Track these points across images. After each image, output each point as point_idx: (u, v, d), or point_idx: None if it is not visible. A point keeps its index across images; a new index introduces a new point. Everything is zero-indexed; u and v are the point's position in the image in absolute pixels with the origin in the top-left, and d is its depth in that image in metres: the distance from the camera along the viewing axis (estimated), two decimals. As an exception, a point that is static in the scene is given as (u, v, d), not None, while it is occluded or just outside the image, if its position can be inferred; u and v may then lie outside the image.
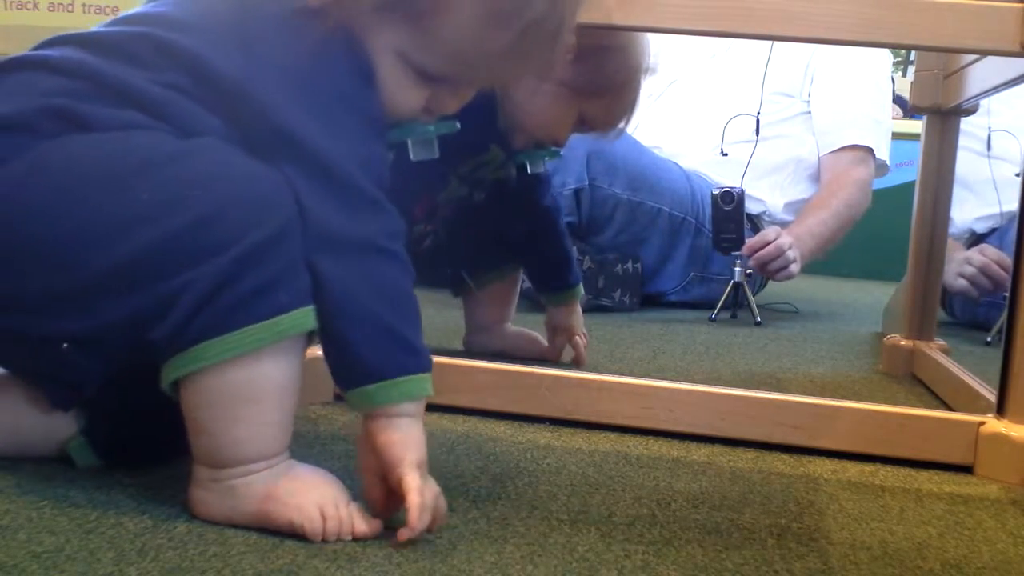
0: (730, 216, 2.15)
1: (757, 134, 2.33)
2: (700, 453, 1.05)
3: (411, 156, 0.88)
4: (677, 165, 2.39)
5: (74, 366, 0.76)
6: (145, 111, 0.75)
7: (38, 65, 0.77)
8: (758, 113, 2.35)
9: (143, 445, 0.85)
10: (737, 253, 2.15)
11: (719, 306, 2.19)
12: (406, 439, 0.75)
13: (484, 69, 0.82)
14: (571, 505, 0.85)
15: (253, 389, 0.73)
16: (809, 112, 2.45)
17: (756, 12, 1.04)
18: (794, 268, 2.20)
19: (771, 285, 2.59)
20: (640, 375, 1.43)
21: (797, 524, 0.85)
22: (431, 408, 1.11)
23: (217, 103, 0.76)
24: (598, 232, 2.25)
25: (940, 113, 1.55)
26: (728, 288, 2.19)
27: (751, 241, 2.16)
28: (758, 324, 2.16)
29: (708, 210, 2.30)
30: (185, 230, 0.70)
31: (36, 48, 0.80)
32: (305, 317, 0.73)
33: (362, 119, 0.78)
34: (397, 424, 0.75)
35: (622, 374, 1.26)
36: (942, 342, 1.59)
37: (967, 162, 2.20)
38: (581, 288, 1.55)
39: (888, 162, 2.48)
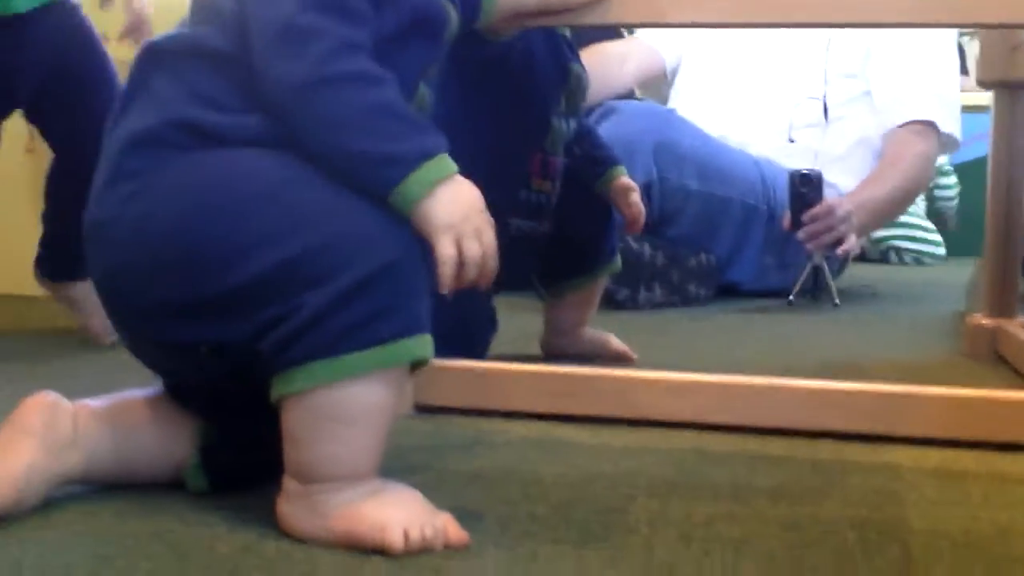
0: (808, 198, 2.14)
1: (826, 118, 2.31)
2: (778, 446, 1.05)
3: None
4: (745, 152, 2.38)
5: (208, 369, 0.81)
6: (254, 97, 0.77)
7: (165, 62, 0.80)
8: (824, 96, 2.33)
9: (253, 471, 0.87)
10: None
11: (796, 288, 2.18)
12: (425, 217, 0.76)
13: None
14: (650, 506, 0.86)
15: (352, 410, 0.75)
16: (870, 91, 2.42)
17: (806, 1, 1.04)
18: (850, 242, 2.17)
19: (852, 268, 2.57)
20: (718, 370, 1.44)
21: (878, 515, 0.85)
22: (508, 415, 1.14)
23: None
24: (670, 225, 2.25)
25: (1008, 87, 1.53)
26: (806, 270, 2.17)
27: (815, 210, 2.13)
28: (836, 306, 2.14)
29: (780, 195, 2.29)
30: (303, 255, 0.73)
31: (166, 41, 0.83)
32: (411, 347, 0.75)
33: None
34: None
35: (699, 370, 1.28)
36: (1026, 319, 1.57)
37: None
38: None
39: (958, 135, 2.43)
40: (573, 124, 1.43)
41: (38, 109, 1.61)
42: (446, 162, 0.76)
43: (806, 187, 2.14)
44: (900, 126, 2.37)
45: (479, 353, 1.37)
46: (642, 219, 1.50)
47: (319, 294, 0.73)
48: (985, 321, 1.59)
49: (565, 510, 0.84)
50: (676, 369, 1.40)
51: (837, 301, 2.17)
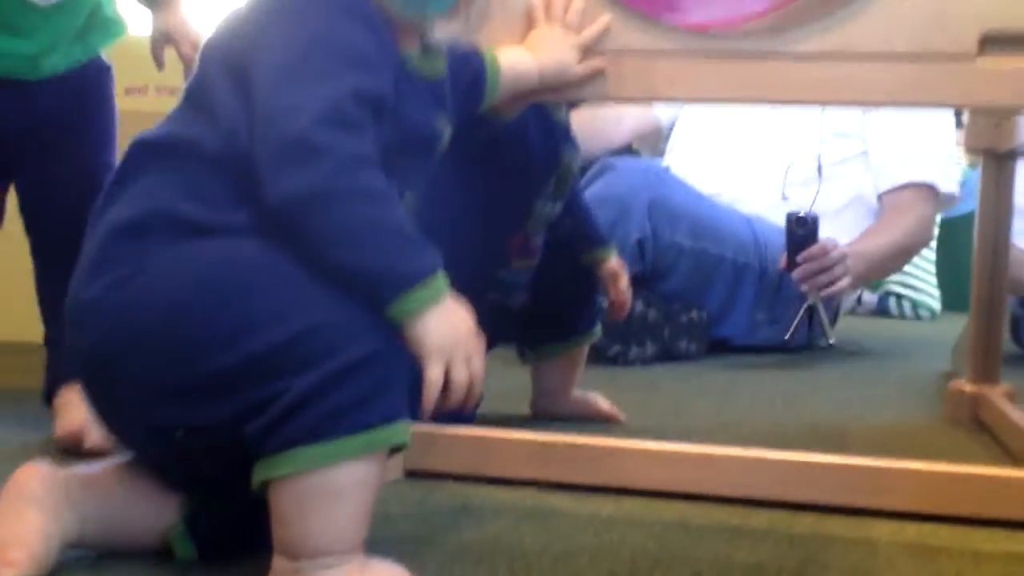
0: (804, 240, 2.18)
1: (820, 176, 2.34)
2: (760, 519, 1.07)
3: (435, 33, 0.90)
4: (738, 211, 2.41)
5: (185, 450, 0.82)
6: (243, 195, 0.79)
7: (154, 158, 0.83)
8: (819, 156, 2.37)
9: (240, 538, 0.89)
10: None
11: (792, 329, 2.22)
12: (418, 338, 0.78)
13: None
14: (631, 582, 0.88)
15: (338, 486, 0.77)
16: (867, 151, 2.46)
17: (794, 80, 1.08)
18: (843, 283, 2.21)
19: (846, 320, 2.59)
20: (704, 432, 1.46)
21: (853, 595, 0.86)
22: (496, 481, 1.16)
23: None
24: (662, 280, 2.28)
25: (995, 156, 1.56)
26: (802, 310, 2.21)
27: (810, 251, 2.17)
28: (831, 346, 2.18)
29: (772, 253, 2.32)
30: (289, 341, 0.75)
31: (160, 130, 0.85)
32: (395, 432, 0.77)
33: (339, 57, 0.79)
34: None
35: (684, 436, 1.30)
36: (1007, 386, 1.59)
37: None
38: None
39: (957, 192, 2.47)
40: (559, 206, 1.45)
41: (25, 168, 1.49)
42: (441, 283, 0.79)
43: (802, 228, 2.18)
44: (900, 187, 2.40)
45: (468, 416, 1.39)
46: (627, 307, 1.53)
47: (305, 379, 0.75)
48: (967, 388, 1.61)
49: (547, 586, 0.86)
50: (664, 431, 1.45)
51: (832, 341, 2.21)
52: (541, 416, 1.55)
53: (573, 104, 1.57)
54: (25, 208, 1.49)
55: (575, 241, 1.51)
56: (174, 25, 1.44)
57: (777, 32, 1.06)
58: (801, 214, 2.18)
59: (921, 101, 1.07)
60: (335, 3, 0.81)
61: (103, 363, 0.81)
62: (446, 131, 0.92)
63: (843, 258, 2.18)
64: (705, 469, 1.13)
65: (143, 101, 2.07)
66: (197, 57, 1.11)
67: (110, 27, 1.49)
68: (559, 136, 1.41)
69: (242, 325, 0.76)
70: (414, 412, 0.79)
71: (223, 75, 0.82)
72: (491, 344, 1.44)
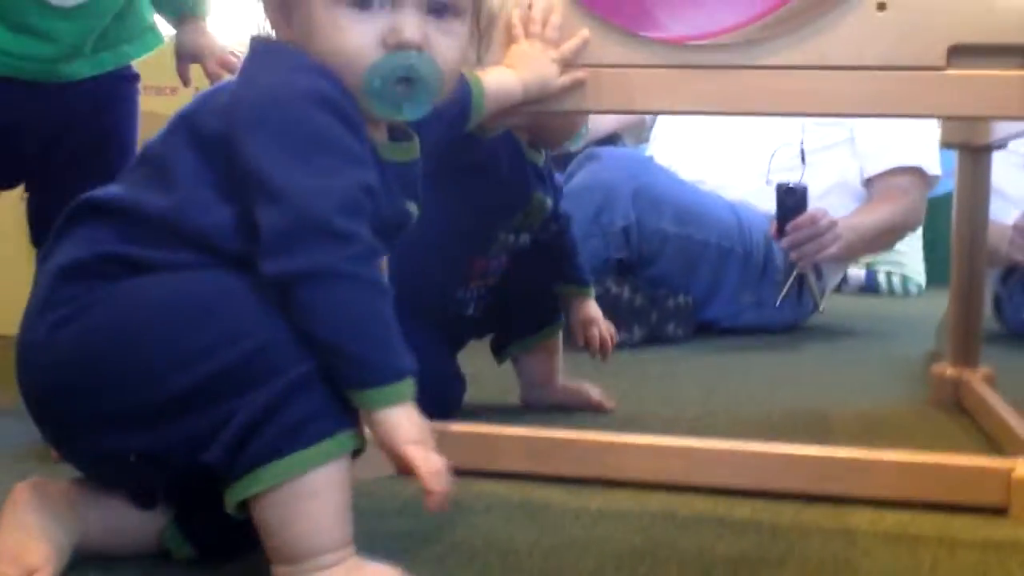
0: (793, 209, 2.27)
1: (803, 162, 2.38)
2: (744, 510, 1.11)
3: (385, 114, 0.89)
4: (722, 197, 2.45)
5: (141, 475, 0.85)
6: (191, 244, 0.82)
7: (99, 214, 0.86)
8: (802, 142, 2.41)
9: (235, 533, 0.90)
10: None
11: (782, 295, 2.31)
12: (395, 426, 0.80)
13: None
14: (618, 576, 0.92)
15: (311, 489, 0.80)
16: (852, 138, 2.50)
17: (768, 92, 1.11)
18: (832, 250, 2.28)
19: (832, 299, 2.64)
20: (692, 420, 1.51)
21: (831, 585, 0.91)
22: (488, 475, 1.20)
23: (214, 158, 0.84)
24: (648, 266, 2.33)
25: (970, 149, 1.60)
26: (792, 278, 2.28)
27: (798, 220, 2.25)
28: (820, 312, 2.34)
29: (756, 237, 2.38)
30: (233, 365, 0.78)
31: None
32: (350, 440, 0.81)
33: (341, 152, 0.82)
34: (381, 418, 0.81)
35: (673, 425, 1.35)
36: (987, 369, 1.63)
37: (1006, 175, 2.26)
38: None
39: (939, 172, 2.52)
40: (526, 238, 1.50)
41: (40, 174, 1.48)
42: (411, 386, 0.82)
43: (791, 198, 2.26)
44: (890, 170, 2.45)
45: (451, 409, 1.44)
46: (608, 347, 1.60)
47: (254, 399, 0.78)
48: (949, 371, 1.65)
49: (539, 582, 0.91)
50: (653, 420, 1.50)
51: (822, 308, 2.30)
52: (532, 406, 1.60)
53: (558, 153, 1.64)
54: (35, 216, 1.47)
55: (553, 265, 1.58)
56: (201, 42, 1.45)
57: (752, 45, 1.10)
58: (791, 184, 2.26)
59: (892, 112, 1.10)
60: (326, 100, 0.83)
61: (50, 397, 0.84)
62: (414, 212, 0.96)
63: (832, 226, 2.27)
64: (690, 461, 1.17)
65: (174, 102, 2.09)
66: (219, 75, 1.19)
67: (146, 37, 1.47)
68: (532, 177, 1.45)
69: (184, 352, 0.79)
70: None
71: (189, 148, 0.85)
72: (459, 346, 1.55)
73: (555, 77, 1.15)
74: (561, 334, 1.61)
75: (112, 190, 0.88)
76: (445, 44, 0.87)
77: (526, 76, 1.14)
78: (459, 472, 1.17)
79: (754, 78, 1.11)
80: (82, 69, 1.42)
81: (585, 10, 1.14)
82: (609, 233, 2.27)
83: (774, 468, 1.16)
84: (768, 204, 2.40)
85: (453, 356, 1.52)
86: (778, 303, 2.32)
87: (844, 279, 3.53)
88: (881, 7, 1.07)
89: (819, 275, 2.41)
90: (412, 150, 0.96)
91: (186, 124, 0.86)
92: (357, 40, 0.84)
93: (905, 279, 3.62)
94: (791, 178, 2.43)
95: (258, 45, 0.89)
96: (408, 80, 0.84)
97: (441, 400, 1.41)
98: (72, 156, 1.44)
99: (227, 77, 1.32)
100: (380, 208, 0.86)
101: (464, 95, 1.09)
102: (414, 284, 1.31)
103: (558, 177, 2.52)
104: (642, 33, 1.12)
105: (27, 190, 1.51)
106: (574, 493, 1.16)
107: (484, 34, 0.96)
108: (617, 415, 1.56)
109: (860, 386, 1.81)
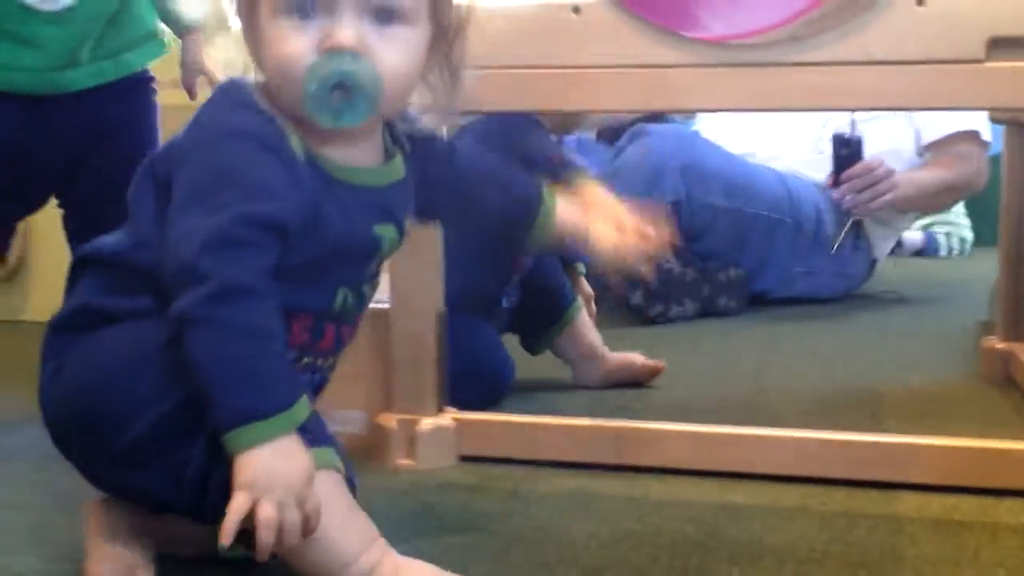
0: (849, 159, 2.34)
1: (854, 131, 2.38)
2: (793, 496, 1.15)
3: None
4: (770, 169, 2.46)
5: (154, 504, 0.92)
6: (148, 286, 0.87)
7: (86, 265, 0.93)
8: (852, 111, 2.41)
9: None
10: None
11: (837, 243, 2.38)
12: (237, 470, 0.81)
13: None
14: (671, 569, 0.96)
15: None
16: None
17: (811, 87, 1.13)
18: (888, 197, 2.32)
19: (882, 270, 2.64)
20: (743, 400, 1.54)
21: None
22: (544, 464, 1.24)
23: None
24: (698, 240, 2.35)
25: (1018, 125, 1.60)
26: (848, 225, 2.37)
27: (853, 169, 2.31)
28: (875, 262, 2.50)
29: (806, 208, 2.40)
30: (173, 412, 0.83)
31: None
32: (325, 454, 0.85)
33: (239, 189, 0.83)
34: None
35: (724, 404, 1.42)
36: (1037, 343, 1.64)
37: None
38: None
39: (990, 137, 2.51)
40: None
41: (69, 194, 1.45)
42: (278, 426, 0.80)
43: (846, 148, 2.35)
44: (950, 136, 2.45)
45: (501, 392, 1.50)
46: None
47: (200, 443, 0.83)
48: (999, 345, 1.66)
49: (594, 574, 0.95)
50: (704, 399, 1.54)
51: (876, 256, 2.41)
52: (586, 384, 1.64)
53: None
54: (70, 233, 1.47)
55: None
56: (206, 53, 1.42)
57: (794, 41, 1.11)
58: (846, 135, 2.30)
59: (933, 104, 1.12)
60: (248, 135, 0.85)
61: (56, 440, 0.92)
62: (389, 236, 0.95)
63: (888, 175, 2.31)
64: (741, 449, 1.21)
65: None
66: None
67: (149, 45, 1.44)
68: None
69: (134, 402, 0.84)
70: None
71: (149, 190, 0.89)
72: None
73: (604, 242, 1.07)
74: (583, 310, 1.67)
75: (99, 240, 0.94)
76: (389, 51, 0.86)
77: (598, 232, 1.08)
78: (516, 462, 1.25)
79: (796, 74, 1.13)
80: (81, 79, 1.37)
81: (627, 11, 1.16)
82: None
83: (822, 455, 1.19)
84: (819, 174, 2.42)
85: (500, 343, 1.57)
86: (833, 250, 2.35)
87: (899, 243, 3.51)
88: (920, 2, 1.08)
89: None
90: (392, 172, 0.96)
91: (149, 166, 0.91)
92: (295, 47, 0.85)
93: (962, 240, 3.60)
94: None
95: (222, 84, 0.92)
96: (345, 87, 0.84)
97: (495, 384, 1.48)
98: (98, 173, 1.40)
99: None
100: (326, 232, 0.88)
101: (530, 201, 1.07)
102: (466, 281, 1.37)
103: (600, 152, 2.59)
104: (684, 33, 1.14)
105: (60, 206, 1.50)
106: (627, 481, 1.20)
107: (453, 42, 0.94)
108: (671, 394, 1.60)
109: (911, 360, 1.82)
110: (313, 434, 0.84)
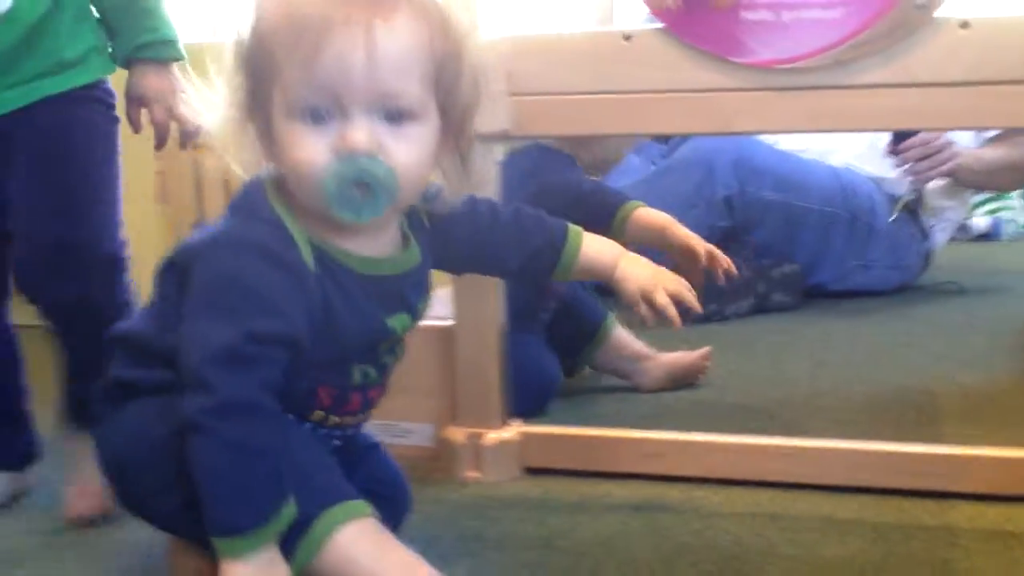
0: (907, 132, 2.33)
1: None
2: (848, 507, 1.18)
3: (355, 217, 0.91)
4: (823, 163, 2.47)
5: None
6: (165, 361, 0.92)
7: (115, 342, 1.01)
8: None
9: None
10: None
11: (896, 210, 2.40)
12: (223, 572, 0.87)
13: (331, 75, 0.86)
14: (730, 585, 1.00)
15: (343, 556, 0.90)
16: None
17: (858, 109, 1.16)
18: (948, 166, 2.32)
19: (940, 256, 2.63)
20: (799, 403, 1.57)
21: (930, 590, 0.98)
22: (608, 476, 1.29)
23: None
24: (751, 234, 2.38)
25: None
26: (908, 193, 2.39)
27: (911, 140, 2.32)
28: (932, 227, 2.46)
29: (861, 201, 2.41)
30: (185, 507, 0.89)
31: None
32: (340, 511, 0.91)
33: (247, 301, 0.88)
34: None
35: (779, 407, 1.46)
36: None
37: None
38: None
39: None
40: None
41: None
42: (259, 539, 0.86)
43: None
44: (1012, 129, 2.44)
45: (546, 399, 1.56)
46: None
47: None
48: (1056, 342, 1.68)
49: (657, 592, 0.99)
50: (760, 402, 1.57)
51: (934, 222, 2.41)
52: (645, 387, 1.68)
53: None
54: (3, 263, 1.27)
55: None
56: (149, 83, 1.26)
57: (840, 65, 1.14)
58: None
59: (977, 124, 1.15)
60: (260, 248, 0.90)
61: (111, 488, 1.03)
62: (402, 324, 1.00)
63: (948, 146, 2.30)
64: (797, 461, 1.24)
65: None
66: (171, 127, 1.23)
67: (90, 63, 1.24)
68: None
69: (161, 481, 0.92)
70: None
71: (173, 279, 0.95)
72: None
73: (644, 285, 1.08)
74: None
75: (127, 322, 1.03)
76: (401, 148, 0.89)
77: (627, 268, 1.09)
78: (579, 473, 1.29)
79: (843, 97, 1.16)
80: (10, 99, 1.20)
81: (677, 38, 1.19)
82: (712, 202, 2.34)
83: (877, 466, 1.22)
84: (874, 167, 2.43)
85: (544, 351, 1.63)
86: (891, 219, 2.36)
87: (963, 228, 3.49)
88: (964, 25, 1.10)
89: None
90: (409, 259, 1.00)
91: (172, 258, 0.96)
92: (312, 151, 0.88)
93: (1020, 226, 3.57)
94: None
95: (245, 184, 0.96)
96: (363, 184, 0.88)
97: (540, 393, 1.56)
98: (19, 199, 1.21)
99: (176, 127, 1.28)
100: (339, 331, 0.93)
101: (555, 236, 1.09)
102: (518, 296, 1.41)
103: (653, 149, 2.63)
104: (732, 59, 1.17)
105: None
106: (687, 493, 1.24)
107: (461, 130, 0.97)
108: (727, 398, 1.63)
109: (968, 357, 1.83)
110: (335, 493, 0.92)
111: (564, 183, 1.61)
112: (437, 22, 0.92)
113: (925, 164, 2.32)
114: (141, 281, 1.09)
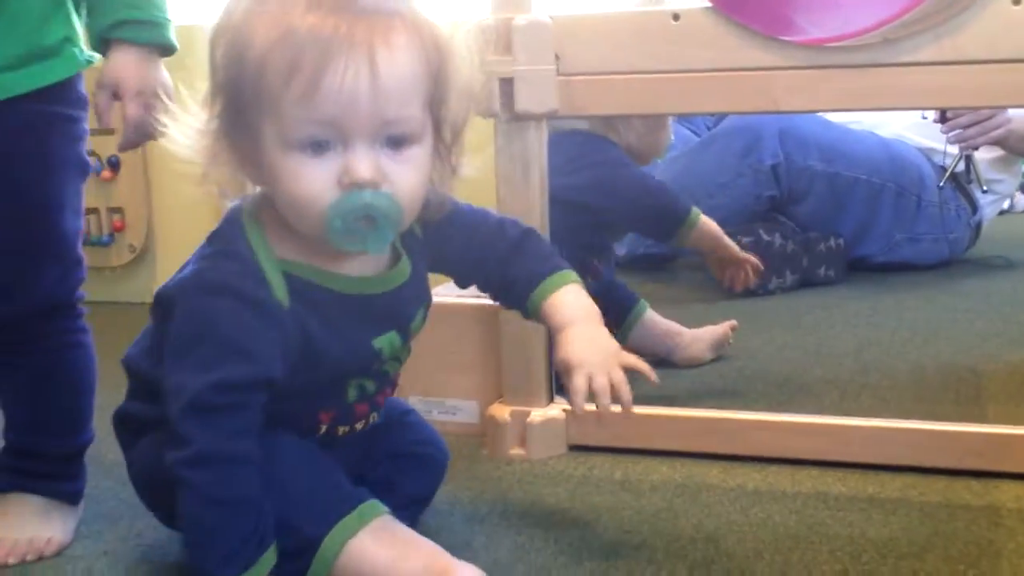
0: None
1: None
2: (893, 487, 1.18)
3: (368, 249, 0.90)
4: (872, 134, 2.45)
5: None
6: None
7: (127, 373, 1.04)
8: None
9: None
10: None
11: (945, 177, 2.38)
12: None
13: (325, 105, 0.83)
14: (774, 564, 1.01)
15: (359, 557, 0.91)
16: None
17: (907, 87, 1.15)
18: (997, 132, 2.30)
19: (990, 229, 2.61)
20: (845, 380, 1.57)
21: (974, 571, 0.98)
22: (650, 454, 1.30)
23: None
24: (797, 204, 2.38)
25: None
26: (957, 159, 2.37)
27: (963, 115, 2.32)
28: (984, 192, 2.43)
29: (910, 172, 2.39)
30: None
31: None
32: (361, 513, 0.93)
33: (219, 349, 0.88)
34: None
35: (826, 385, 1.45)
36: None
37: None
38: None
39: None
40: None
41: None
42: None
43: None
44: None
45: None
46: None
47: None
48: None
49: (701, 570, 1.00)
50: (805, 380, 1.58)
51: (985, 188, 2.40)
52: (683, 363, 1.69)
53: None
54: None
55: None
56: (124, 74, 1.09)
57: (889, 43, 1.13)
58: None
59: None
60: (225, 289, 0.89)
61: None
62: (390, 344, 0.98)
63: (998, 112, 2.27)
64: (840, 439, 1.25)
65: None
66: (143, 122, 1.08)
67: (59, 56, 1.05)
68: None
69: (166, 514, 1.00)
70: None
71: (160, 320, 0.96)
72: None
73: (584, 362, 0.98)
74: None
75: (130, 349, 1.03)
76: (404, 174, 0.88)
77: (574, 340, 1.00)
78: (623, 451, 1.30)
79: (892, 75, 1.15)
80: None
81: (725, 17, 1.19)
82: (759, 171, 2.34)
83: (922, 444, 1.22)
84: (924, 139, 2.41)
85: None
86: (941, 184, 2.36)
87: (1011, 203, 3.44)
88: (1016, 2, 1.09)
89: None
90: (398, 275, 0.98)
91: (159, 293, 0.96)
92: (314, 185, 0.86)
93: None
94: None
95: (227, 215, 0.95)
96: (370, 217, 0.86)
97: None
98: None
99: (151, 120, 1.06)
100: (321, 358, 0.93)
101: (538, 274, 1.04)
102: None
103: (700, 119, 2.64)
104: (781, 37, 1.17)
105: None
106: (730, 472, 1.25)
107: (452, 146, 0.95)
108: (773, 374, 1.63)
109: (1016, 335, 1.82)
110: (341, 505, 0.93)
111: (637, 178, 1.64)
112: (429, 37, 0.89)
113: (974, 130, 2.30)
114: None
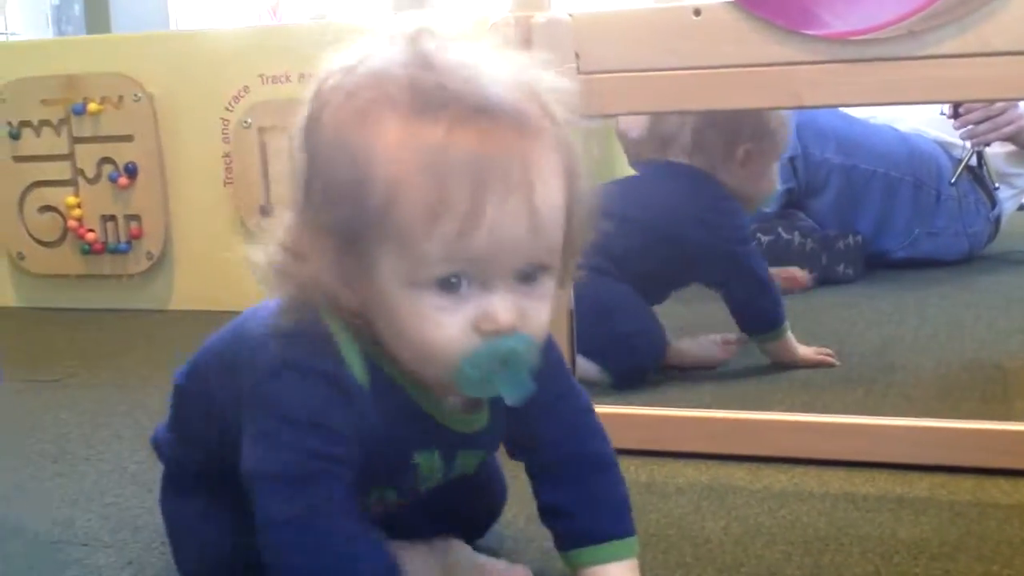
0: None
1: None
2: (922, 486, 1.17)
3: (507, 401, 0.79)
4: (890, 128, 2.44)
5: None
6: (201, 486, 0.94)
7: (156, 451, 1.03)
8: None
9: None
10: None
11: (956, 174, 2.36)
12: None
13: (472, 238, 0.72)
14: (804, 566, 1.00)
15: None
16: None
17: (932, 80, 1.14)
18: (1009, 129, 2.30)
19: (1009, 225, 2.59)
20: (869, 379, 1.55)
21: (1008, 571, 0.96)
22: (675, 456, 1.28)
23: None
24: (814, 197, 2.37)
25: None
26: (969, 155, 2.35)
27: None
28: (997, 189, 2.40)
29: (930, 166, 2.37)
30: None
31: None
32: None
33: (304, 428, 0.78)
34: None
35: (850, 384, 1.44)
36: None
37: None
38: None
39: None
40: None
41: None
42: None
43: None
44: None
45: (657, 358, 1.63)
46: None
47: None
48: None
49: (731, 573, 0.99)
50: (829, 379, 1.57)
51: (997, 185, 2.39)
52: (713, 362, 1.68)
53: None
54: None
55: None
56: None
57: (913, 36, 1.12)
58: None
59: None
60: (307, 371, 0.79)
61: None
62: (428, 464, 0.87)
63: (1009, 108, 2.27)
64: (868, 439, 1.23)
65: (284, 89, 2.19)
66: None
67: None
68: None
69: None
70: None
71: (202, 399, 0.93)
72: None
73: None
74: None
75: (156, 431, 1.02)
76: (539, 311, 0.77)
77: None
78: (649, 453, 1.29)
79: (917, 68, 1.13)
80: None
81: (748, 12, 1.17)
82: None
83: (950, 443, 1.20)
84: (943, 133, 2.40)
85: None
86: (952, 181, 2.34)
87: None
88: (1043, -7, 1.08)
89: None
90: (472, 423, 0.88)
91: (202, 376, 0.93)
92: (448, 331, 0.74)
93: None
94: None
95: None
96: (506, 364, 0.76)
97: (656, 350, 1.62)
98: None
99: None
100: (371, 454, 0.81)
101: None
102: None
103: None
104: (804, 31, 1.16)
105: None
106: (757, 473, 1.23)
107: (570, 263, 0.83)
108: (796, 375, 1.62)
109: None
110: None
111: (757, 270, 1.62)
112: (568, 154, 0.77)
113: (986, 126, 2.28)
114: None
